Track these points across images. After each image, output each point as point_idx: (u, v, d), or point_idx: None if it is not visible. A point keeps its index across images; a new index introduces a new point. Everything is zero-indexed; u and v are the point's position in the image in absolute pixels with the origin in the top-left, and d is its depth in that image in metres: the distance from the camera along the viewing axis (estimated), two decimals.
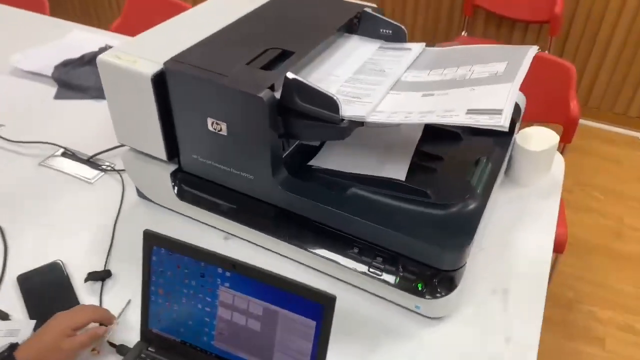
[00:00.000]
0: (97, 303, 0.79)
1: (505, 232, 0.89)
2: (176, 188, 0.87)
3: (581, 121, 1.84)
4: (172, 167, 0.86)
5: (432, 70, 0.80)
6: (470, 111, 0.64)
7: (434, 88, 0.75)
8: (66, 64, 1.29)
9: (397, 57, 0.85)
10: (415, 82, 0.78)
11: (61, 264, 0.83)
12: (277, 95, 0.72)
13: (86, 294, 0.80)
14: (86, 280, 0.81)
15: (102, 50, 1.10)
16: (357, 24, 0.92)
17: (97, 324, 0.71)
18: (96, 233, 0.90)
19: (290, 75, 0.70)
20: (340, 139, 0.72)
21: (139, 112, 0.80)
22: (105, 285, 0.81)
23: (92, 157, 1.04)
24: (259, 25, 0.86)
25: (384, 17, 0.88)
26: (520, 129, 0.97)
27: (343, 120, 0.70)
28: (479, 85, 0.70)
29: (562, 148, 1.51)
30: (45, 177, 1.01)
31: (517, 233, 0.89)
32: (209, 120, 0.76)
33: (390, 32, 0.89)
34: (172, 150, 0.84)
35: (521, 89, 0.69)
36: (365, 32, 0.92)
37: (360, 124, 0.72)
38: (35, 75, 1.30)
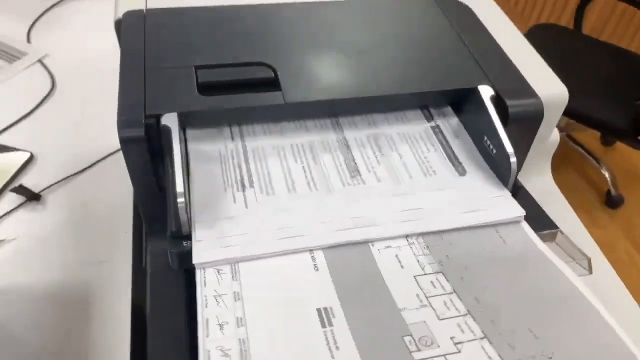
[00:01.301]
0: None
1: None
2: None
3: None
4: None
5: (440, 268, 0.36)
6: None
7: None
8: None
9: (432, 181, 0.41)
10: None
11: None
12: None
13: None
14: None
15: None
16: (464, 104, 0.48)
17: None
18: None
19: (165, 120, 0.39)
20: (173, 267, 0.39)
21: None
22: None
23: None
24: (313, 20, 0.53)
25: (493, 120, 0.43)
26: None
27: (187, 241, 0.38)
28: None
29: None
30: None
31: None
32: None
33: (494, 150, 0.44)
34: None
35: None
36: (470, 123, 0.48)
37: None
38: None
